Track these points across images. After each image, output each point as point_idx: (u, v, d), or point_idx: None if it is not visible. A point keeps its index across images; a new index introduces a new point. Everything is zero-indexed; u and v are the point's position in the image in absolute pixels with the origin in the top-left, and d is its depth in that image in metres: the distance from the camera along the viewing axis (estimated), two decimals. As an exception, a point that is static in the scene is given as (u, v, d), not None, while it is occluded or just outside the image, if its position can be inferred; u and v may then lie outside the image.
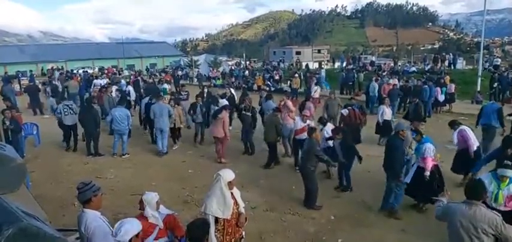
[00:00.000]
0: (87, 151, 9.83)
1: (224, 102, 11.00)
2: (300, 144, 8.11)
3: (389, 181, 6.03)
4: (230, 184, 3.92)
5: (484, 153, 8.86)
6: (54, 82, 18.86)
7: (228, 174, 3.94)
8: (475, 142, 7.00)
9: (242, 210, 4.08)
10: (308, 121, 8.44)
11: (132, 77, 24.36)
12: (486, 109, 9.38)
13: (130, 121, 9.69)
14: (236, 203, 4.01)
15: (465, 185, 3.55)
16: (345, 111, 9.67)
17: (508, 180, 4.27)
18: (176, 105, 10.59)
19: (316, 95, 14.82)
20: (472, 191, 3.39)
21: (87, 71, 34.29)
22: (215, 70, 32.37)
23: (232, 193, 3.96)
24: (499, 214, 3.37)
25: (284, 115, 9.36)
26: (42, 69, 40.66)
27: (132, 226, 3.03)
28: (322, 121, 8.28)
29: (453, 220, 3.42)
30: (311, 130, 6.63)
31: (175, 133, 10.59)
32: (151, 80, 22.28)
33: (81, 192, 3.35)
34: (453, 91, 15.71)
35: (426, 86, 14.11)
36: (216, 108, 10.17)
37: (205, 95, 13.38)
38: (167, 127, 9.68)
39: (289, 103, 9.87)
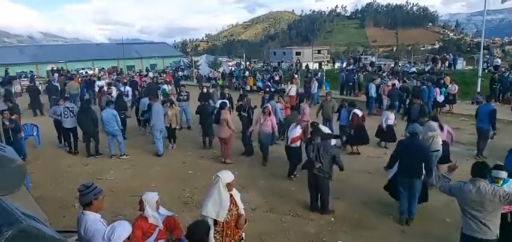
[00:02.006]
0: (87, 152, 9.85)
1: (225, 102, 10.96)
2: (294, 153, 7.82)
3: (415, 183, 5.73)
4: (229, 186, 3.88)
5: (479, 153, 9.02)
6: (54, 83, 18.81)
7: (227, 176, 3.91)
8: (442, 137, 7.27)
9: (242, 212, 4.06)
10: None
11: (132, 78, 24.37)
12: (481, 110, 9.28)
13: (119, 121, 9.64)
14: (235, 205, 3.99)
15: (472, 166, 4.01)
16: (359, 112, 9.61)
17: (501, 182, 4.34)
18: (172, 105, 10.59)
19: (292, 93, 15.22)
20: (477, 170, 3.91)
21: (87, 72, 34.34)
22: (216, 72, 32.37)
23: (231, 195, 3.95)
24: (499, 186, 3.96)
25: (263, 120, 8.78)
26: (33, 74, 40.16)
27: (124, 229, 3.01)
28: (314, 126, 7.66)
29: (463, 198, 3.95)
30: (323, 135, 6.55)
31: (171, 133, 10.59)
32: (150, 80, 22.29)
33: (82, 195, 3.32)
34: (455, 92, 15.62)
35: (424, 87, 14.09)
36: (208, 104, 10.46)
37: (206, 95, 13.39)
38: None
39: (269, 107, 9.29)
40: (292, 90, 16.16)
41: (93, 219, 3.26)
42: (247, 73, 29.00)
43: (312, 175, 6.17)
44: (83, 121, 9.68)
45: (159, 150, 9.69)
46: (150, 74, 27.12)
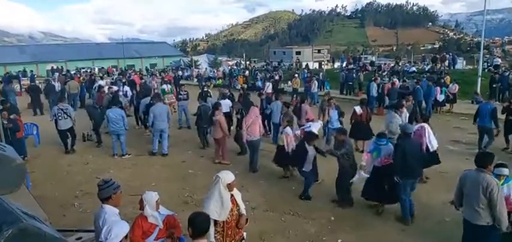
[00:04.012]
0: (97, 139, 10.68)
1: (219, 102, 10.88)
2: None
3: (416, 182, 5.98)
4: (230, 186, 3.86)
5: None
6: (52, 82, 18.79)
7: (227, 176, 3.89)
8: (431, 142, 7.01)
9: (243, 211, 4.05)
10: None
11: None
12: (482, 109, 9.33)
13: (126, 122, 9.63)
14: (236, 204, 3.98)
15: (476, 156, 4.33)
16: (358, 109, 9.60)
17: (504, 179, 4.42)
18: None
19: (269, 90, 15.53)
20: (478, 159, 4.24)
21: (86, 71, 34.33)
22: (219, 72, 32.35)
23: (232, 195, 3.93)
24: (498, 182, 4.08)
25: (251, 125, 8.30)
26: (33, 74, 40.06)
27: (121, 229, 3.00)
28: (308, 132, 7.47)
29: (465, 183, 4.33)
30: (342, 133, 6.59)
31: None
32: (144, 80, 22.25)
33: (101, 189, 3.43)
34: (455, 91, 15.64)
35: (418, 86, 14.14)
36: (206, 105, 10.43)
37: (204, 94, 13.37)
38: (167, 128, 9.77)
39: (256, 110, 8.89)
40: (269, 87, 17.04)
41: (111, 212, 3.37)
42: (247, 72, 28.98)
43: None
44: (93, 113, 10.42)
45: (155, 148, 9.70)
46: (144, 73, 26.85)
